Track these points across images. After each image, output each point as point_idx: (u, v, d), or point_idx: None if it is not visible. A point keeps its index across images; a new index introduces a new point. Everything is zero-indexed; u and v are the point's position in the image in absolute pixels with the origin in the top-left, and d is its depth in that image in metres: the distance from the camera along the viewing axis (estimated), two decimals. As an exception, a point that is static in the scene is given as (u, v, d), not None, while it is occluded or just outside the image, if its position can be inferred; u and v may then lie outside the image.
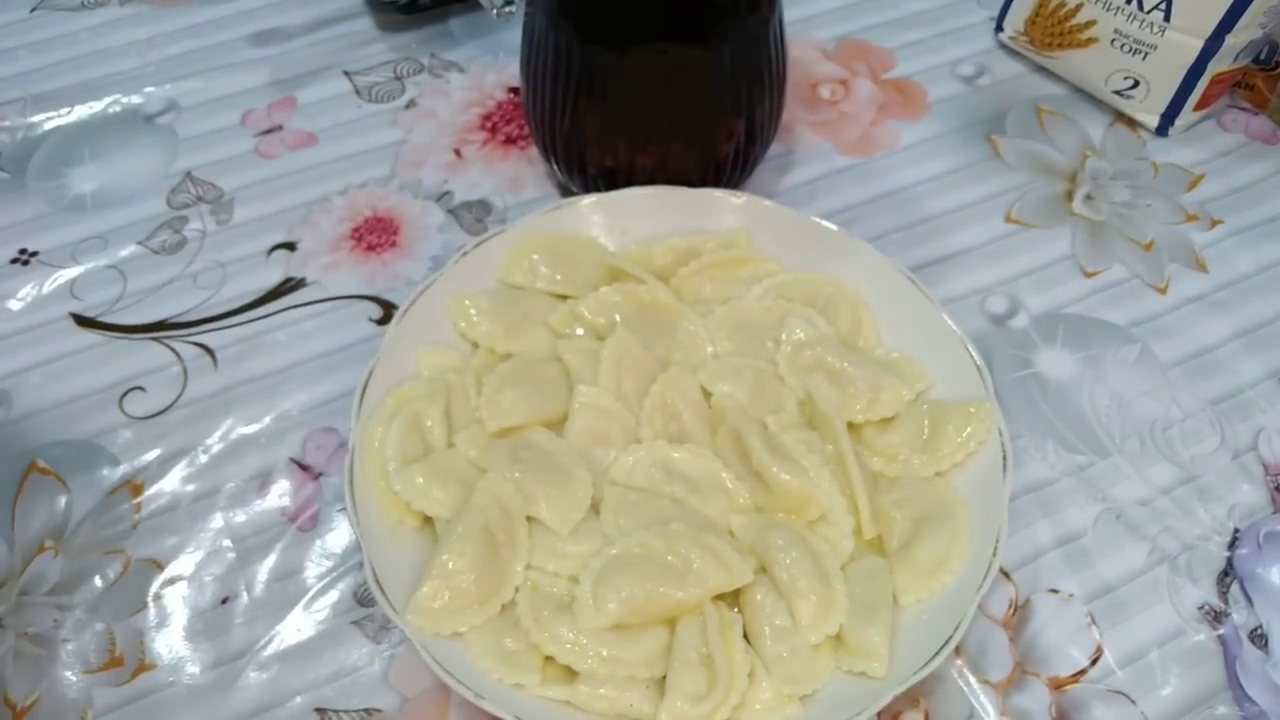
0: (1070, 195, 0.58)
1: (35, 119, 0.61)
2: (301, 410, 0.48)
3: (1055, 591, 0.44)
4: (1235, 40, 0.54)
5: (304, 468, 0.47)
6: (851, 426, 0.44)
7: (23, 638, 0.42)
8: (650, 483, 0.42)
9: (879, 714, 0.39)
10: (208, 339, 0.51)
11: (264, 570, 0.44)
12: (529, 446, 0.43)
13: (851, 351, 0.46)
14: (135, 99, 0.61)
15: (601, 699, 0.37)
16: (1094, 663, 0.42)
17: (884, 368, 0.46)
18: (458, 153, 0.59)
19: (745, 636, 0.39)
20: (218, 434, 0.48)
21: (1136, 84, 0.59)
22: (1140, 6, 0.56)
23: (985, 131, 0.61)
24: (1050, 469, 0.47)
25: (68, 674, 0.41)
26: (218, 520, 0.45)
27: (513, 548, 0.40)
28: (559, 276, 0.49)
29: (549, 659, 0.38)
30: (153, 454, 0.47)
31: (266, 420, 0.48)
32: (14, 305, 0.52)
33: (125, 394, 0.49)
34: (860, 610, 0.39)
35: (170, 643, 0.42)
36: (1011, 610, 0.43)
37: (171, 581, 0.43)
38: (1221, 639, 0.43)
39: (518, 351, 0.46)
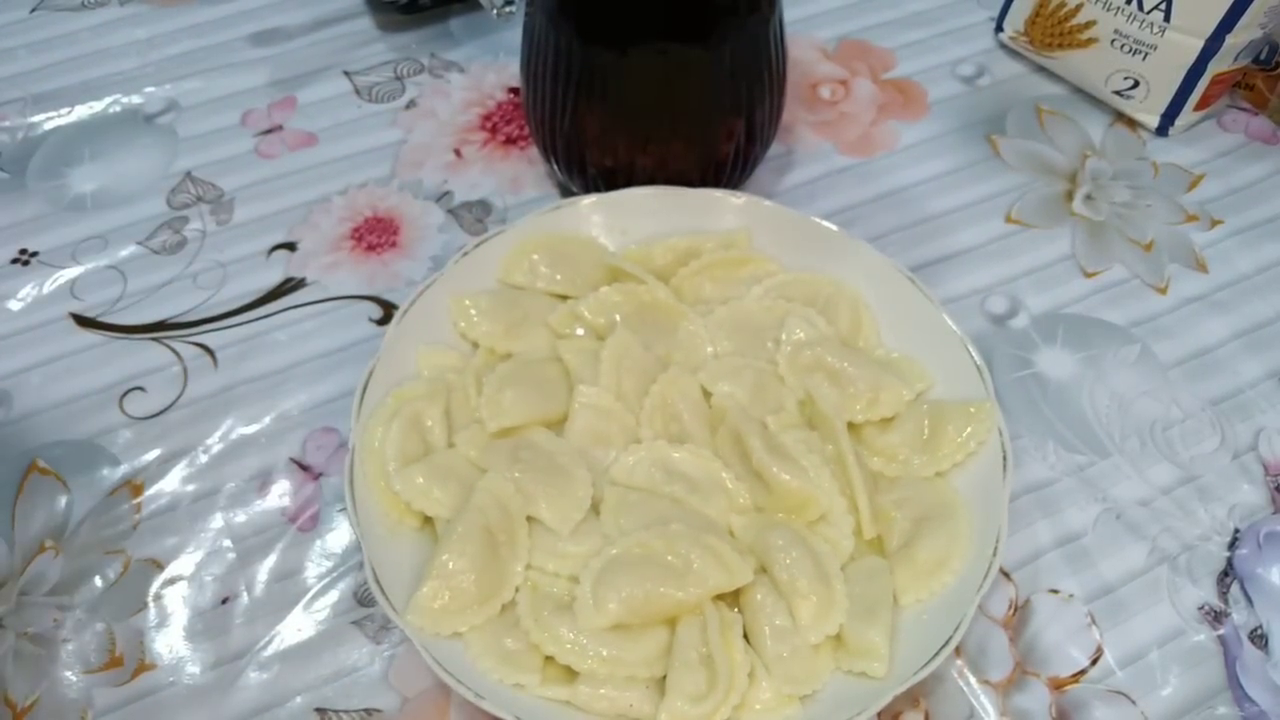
0: (1070, 195, 0.58)
1: (35, 119, 0.61)
2: (301, 410, 0.48)
3: (1055, 591, 0.44)
4: (1235, 40, 0.54)
5: (304, 468, 0.47)
6: (851, 426, 0.44)
7: (23, 638, 0.42)
8: (650, 483, 0.42)
9: (879, 714, 0.39)
10: (208, 339, 0.51)
11: (264, 570, 0.44)
12: (529, 446, 0.43)
13: (851, 351, 0.46)
14: (135, 99, 0.61)
15: (601, 699, 0.37)
16: (1094, 663, 0.42)
17: (884, 368, 0.46)
18: (458, 153, 0.59)
19: (745, 636, 0.39)
20: (218, 434, 0.48)
21: (1136, 84, 0.59)
22: (1140, 6, 0.56)
23: (985, 131, 0.61)
24: (1050, 469, 0.47)
25: (68, 674, 0.41)
26: (218, 520, 0.45)
27: (513, 548, 0.40)
28: (559, 276, 0.49)
29: (549, 659, 0.38)
30: (153, 454, 0.47)
31: (266, 420, 0.48)
32: (14, 305, 0.52)
33: (125, 394, 0.49)
34: (860, 610, 0.39)
35: (170, 643, 0.42)
36: (1011, 610, 0.43)
37: (172, 581, 0.43)
38: (1221, 639, 0.43)
39: (518, 351, 0.46)
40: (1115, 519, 0.46)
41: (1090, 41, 0.59)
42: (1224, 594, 0.44)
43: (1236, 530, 0.45)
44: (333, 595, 0.43)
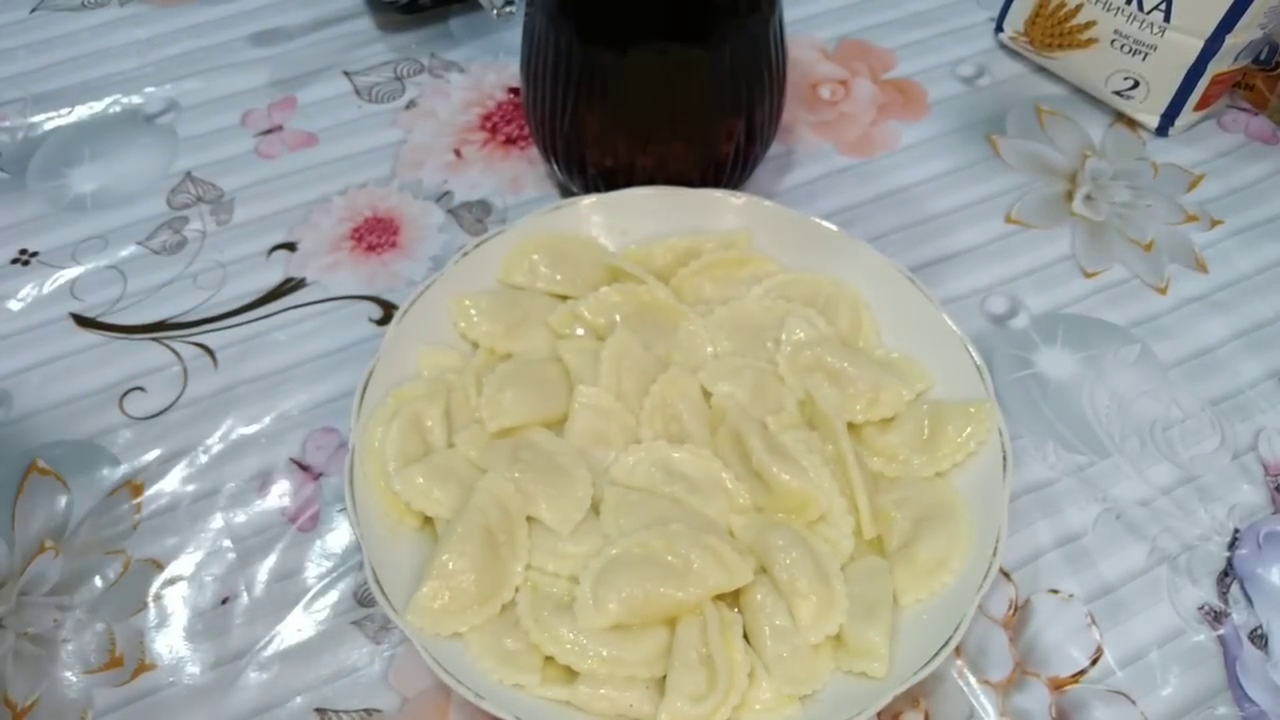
0: (1070, 195, 0.58)
1: (35, 119, 0.61)
2: (301, 410, 0.48)
3: (1055, 592, 0.44)
4: (1235, 40, 0.54)
5: (304, 468, 0.47)
6: (851, 426, 0.44)
7: (23, 638, 0.42)
8: (650, 483, 0.42)
9: (879, 714, 0.39)
10: (208, 339, 0.51)
11: (264, 570, 0.44)
12: (529, 446, 0.43)
13: (851, 351, 0.46)
14: (135, 99, 0.61)
15: (601, 699, 0.37)
16: (1094, 663, 0.42)
17: (884, 368, 0.46)
18: (458, 153, 0.59)
19: (745, 636, 0.39)
20: (218, 434, 0.48)
21: (1136, 84, 0.59)
22: (1140, 7, 0.56)
23: (985, 132, 0.61)
24: (1050, 469, 0.47)
25: (68, 674, 0.41)
26: (218, 520, 0.45)
27: (513, 548, 0.40)
28: (559, 276, 0.49)
29: (549, 659, 0.38)
30: (153, 454, 0.47)
31: (266, 420, 0.48)
32: (14, 305, 0.52)
33: (125, 394, 0.49)
34: (860, 610, 0.39)
35: (170, 643, 0.42)
36: (1011, 610, 0.43)
37: (171, 582, 0.43)
38: (1221, 639, 0.43)
39: (518, 351, 0.46)
40: (1115, 519, 0.46)
41: (1090, 42, 0.59)
42: (1224, 594, 0.44)
43: (1236, 530, 0.45)
44: (333, 595, 0.43)
